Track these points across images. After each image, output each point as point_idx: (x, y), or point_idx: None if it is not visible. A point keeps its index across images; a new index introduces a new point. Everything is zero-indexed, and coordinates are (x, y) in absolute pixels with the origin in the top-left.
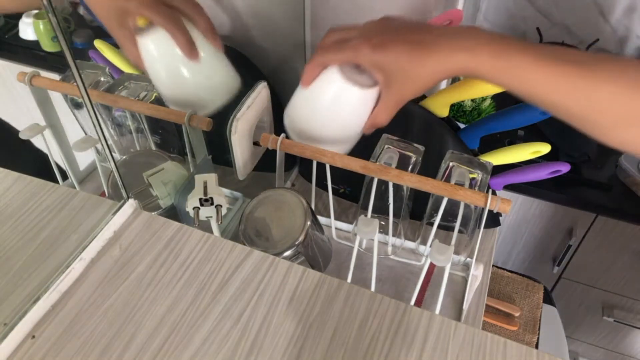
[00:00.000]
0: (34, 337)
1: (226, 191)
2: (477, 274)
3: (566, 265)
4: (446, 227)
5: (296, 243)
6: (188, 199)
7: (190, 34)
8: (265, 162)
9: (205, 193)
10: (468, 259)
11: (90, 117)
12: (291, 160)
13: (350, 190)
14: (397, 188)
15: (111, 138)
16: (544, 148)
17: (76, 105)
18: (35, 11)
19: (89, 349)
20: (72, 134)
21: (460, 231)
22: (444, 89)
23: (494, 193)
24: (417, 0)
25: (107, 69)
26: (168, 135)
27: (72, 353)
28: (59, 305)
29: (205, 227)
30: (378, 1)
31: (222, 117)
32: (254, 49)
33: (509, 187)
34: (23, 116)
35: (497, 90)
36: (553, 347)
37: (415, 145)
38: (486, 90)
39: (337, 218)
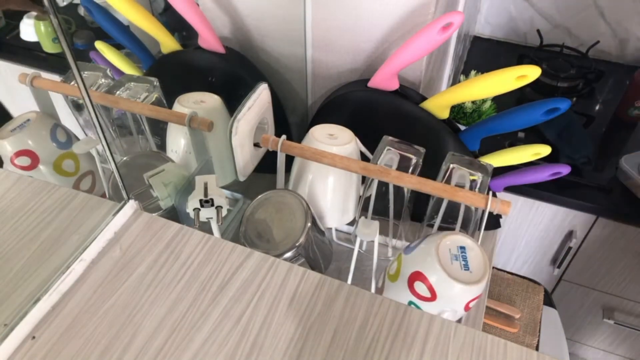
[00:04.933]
0: (34, 337)
1: (227, 192)
2: None
3: (566, 267)
4: (447, 228)
5: (297, 244)
6: (188, 200)
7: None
8: (266, 164)
9: (206, 194)
10: None
11: (91, 118)
12: (292, 162)
13: None
14: (398, 190)
15: (112, 139)
16: (545, 150)
17: (77, 106)
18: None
19: (89, 349)
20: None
21: None
22: (444, 91)
23: (494, 195)
24: (417, 1)
25: (108, 70)
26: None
27: (72, 354)
28: (60, 306)
29: (206, 228)
30: (378, 2)
31: None
32: (254, 50)
33: (510, 189)
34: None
35: (498, 92)
36: (553, 350)
37: (416, 147)
38: (487, 92)
39: None
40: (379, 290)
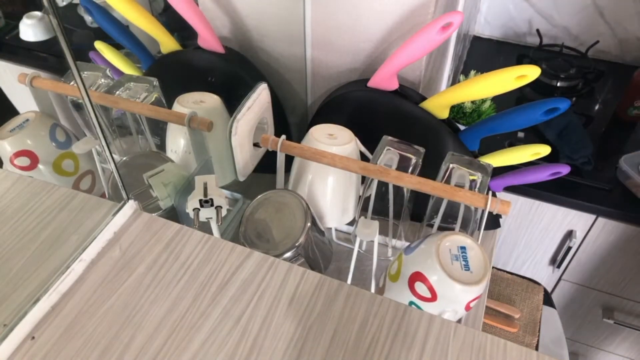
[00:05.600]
0: (33, 338)
1: (226, 192)
2: None
3: (566, 267)
4: (446, 228)
5: (296, 244)
6: (188, 200)
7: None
8: (265, 164)
9: (206, 194)
10: None
11: (91, 118)
12: (292, 162)
13: None
14: (397, 190)
15: (111, 139)
16: (544, 150)
17: (76, 106)
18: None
19: (89, 350)
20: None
21: None
22: (444, 91)
23: (494, 195)
24: (416, 1)
25: (107, 70)
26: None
27: (71, 354)
28: (59, 306)
29: (206, 228)
30: (377, 2)
31: None
32: (254, 50)
33: (509, 189)
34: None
35: (497, 92)
36: (553, 349)
37: (416, 147)
38: (486, 91)
39: None
40: (380, 291)
